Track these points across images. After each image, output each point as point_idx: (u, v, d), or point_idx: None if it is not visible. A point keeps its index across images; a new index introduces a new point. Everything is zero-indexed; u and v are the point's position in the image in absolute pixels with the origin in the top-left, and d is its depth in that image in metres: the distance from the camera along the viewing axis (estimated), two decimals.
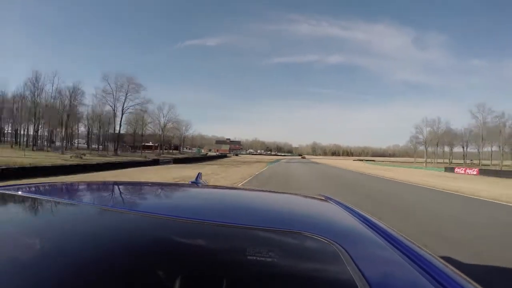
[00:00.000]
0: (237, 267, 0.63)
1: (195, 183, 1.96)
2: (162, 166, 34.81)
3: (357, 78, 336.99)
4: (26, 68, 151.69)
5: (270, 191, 1.89)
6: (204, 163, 48.35)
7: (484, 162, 72.26)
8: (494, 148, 70.14)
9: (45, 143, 62.37)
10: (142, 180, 15.49)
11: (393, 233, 0.86)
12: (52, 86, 61.11)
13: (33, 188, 1.20)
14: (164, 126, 79.82)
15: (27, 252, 0.65)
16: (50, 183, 1.42)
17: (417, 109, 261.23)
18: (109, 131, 71.53)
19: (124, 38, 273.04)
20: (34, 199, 1.02)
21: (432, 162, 76.24)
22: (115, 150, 64.20)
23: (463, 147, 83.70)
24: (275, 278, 0.60)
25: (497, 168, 50.60)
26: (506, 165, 62.27)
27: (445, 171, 42.39)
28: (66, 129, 61.09)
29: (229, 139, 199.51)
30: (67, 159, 37.83)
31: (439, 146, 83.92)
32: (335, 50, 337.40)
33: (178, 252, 0.67)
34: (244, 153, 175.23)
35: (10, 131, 71.06)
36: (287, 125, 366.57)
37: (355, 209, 1.14)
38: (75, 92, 62.40)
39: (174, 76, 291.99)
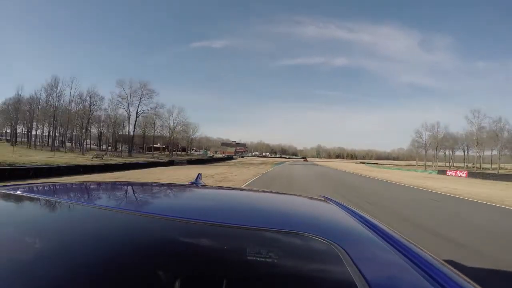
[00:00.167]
0: (237, 268, 0.63)
1: (195, 183, 2.00)
2: (179, 166, 38.11)
3: (362, 80, 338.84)
4: (29, 70, 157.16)
5: (270, 192, 1.94)
6: (214, 164, 51.59)
7: (485, 165, 74.85)
8: (496, 152, 72.63)
9: (61, 144, 67.04)
10: (171, 178, 19.30)
11: (393, 234, 0.86)
12: (70, 91, 66.04)
13: (33, 188, 1.21)
14: (174, 129, 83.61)
15: (27, 252, 0.65)
16: (50, 183, 1.29)
17: (422, 112, 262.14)
18: (119, 132, 76.08)
19: (130, 39, 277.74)
20: (34, 199, 1.02)
21: (431, 166, 78.87)
22: (129, 151, 68.00)
23: (463, 151, 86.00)
24: (275, 279, 0.60)
25: (495, 171, 53.21)
26: (507, 169, 64.45)
27: (438, 173, 45.51)
28: (86, 131, 65.21)
29: (234, 141, 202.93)
30: (90, 159, 41.54)
31: (440, 149, 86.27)
32: (341, 53, 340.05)
33: (178, 253, 0.67)
34: (249, 155, 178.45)
35: (22, 132, 76.49)
36: (292, 127, 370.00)
37: (355, 210, 1.15)
38: (94, 98, 66.95)
39: (179, 77, 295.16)
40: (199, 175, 2.42)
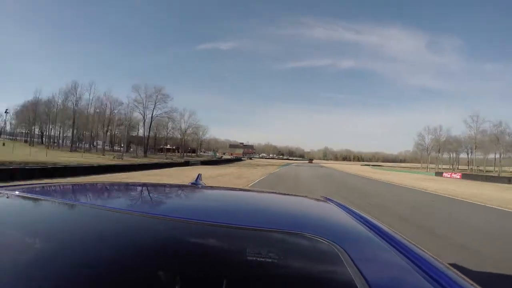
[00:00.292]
0: (238, 268, 0.63)
1: (195, 184, 2.02)
2: (194, 166, 40.72)
3: (369, 82, 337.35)
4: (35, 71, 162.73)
5: (270, 192, 1.95)
6: (225, 165, 54.70)
7: (489, 168, 76.89)
8: (498, 155, 74.59)
9: (78, 145, 71.74)
10: (185, 177, 21.74)
11: (394, 235, 0.86)
12: (89, 95, 71.35)
13: (34, 188, 1.20)
14: (185, 131, 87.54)
15: (29, 253, 0.65)
16: (50, 184, 1.49)
17: (430, 114, 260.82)
18: (132, 134, 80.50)
19: (138, 40, 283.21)
20: (34, 199, 1.02)
21: (434, 168, 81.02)
22: (145, 152, 71.94)
23: (467, 154, 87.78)
24: (275, 279, 0.60)
25: (497, 174, 55.44)
26: (510, 172, 65.75)
27: (435, 175, 48.01)
28: (106, 134, 69.67)
29: (242, 143, 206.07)
30: (112, 160, 45.27)
31: (444, 152, 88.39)
32: (348, 55, 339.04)
33: (178, 253, 0.67)
34: (257, 157, 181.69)
35: (36, 133, 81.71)
36: (299, 129, 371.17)
37: (355, 211, 1.16)
38: (114, 103, 72.53)
39: (186, 79, 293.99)
40: (199, 176, 2.46)
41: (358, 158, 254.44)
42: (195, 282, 0.57)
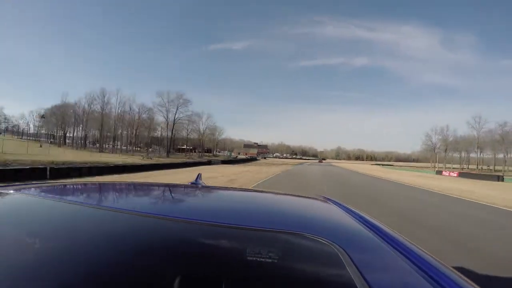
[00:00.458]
0: (237, 268, 0.63)
1: (195, 184, 2.01)
2: (217, 165, 45.52)
3: (383, 81, 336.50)
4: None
5: (270, 192, 1.96)
6: (243, 164, 59.08)
7: (498, 168, 79.36)
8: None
9: (105, 146, 78.65)
10: (225, 173, 25.98)
11: (393, 235, 0.86)
12: (117, 99, 79.01)
13: (34, 189, 1.20)
14: (203, 132, 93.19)
15: (28, 253, 0.65)
16: (51, 184, 1.55)
17: (444, 112, 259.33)
18: (153, 135, 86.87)
19: (151, 41, 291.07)
20: (34, 200, 1.03)
21: (442, 167, 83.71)
22: (168, 152, 77.82)
23: (476, 153, 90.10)
24: (275, 279, 0.60)
25: (496, 173, 58.23)
26: None
27: (436, 173, 51.55)
28: (135, 136, 76.53)
29: (256, 143, 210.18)
30: (142, 159, 50.49)
31: (453, 152, 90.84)
32: (361, 53, 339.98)
33: (178, 253, 0.67)
34: (271, 156, 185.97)
35: (59, 135, 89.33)
36: (313, 129, 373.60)
37: (355, 210, 1.16)
38: (142, 108, 79.89)
39: (199, 79, 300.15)
40: (199, 175, 2.37)
41: (371, 157, 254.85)
42: (195, 282, 0.57)
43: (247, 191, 1.94)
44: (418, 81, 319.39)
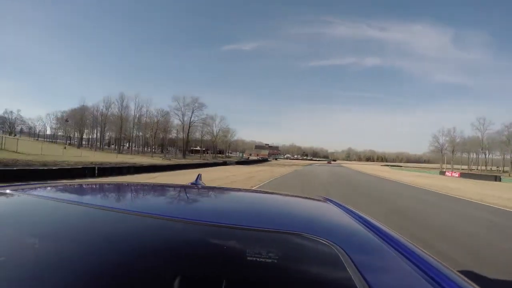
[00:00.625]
0: (237, 268, 0.63)
1: (195, 184, 2.01)
2: (232, 166, 48.77)
3: (394, 81, 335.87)
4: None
5: (269, 193, 1.92)
6: (256, 164, 62.95)
7: (507, 168, 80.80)
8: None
9: (123, 147, 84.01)
10: (242, 172, 28.95)
11: (394, 235, 0.86)
12: (135, 104, 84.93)
13: (34, 189, 1.20)
14: (217, 135, 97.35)
15: (28, 253, 0.65)
16: (51, 184, 1.55)
17: (456, 113, 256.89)
18: (169, 137, 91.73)
19: (163, 42, 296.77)
20: (34, 200, 1.03)
21: (451, 168, 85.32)
22: (184, 154, 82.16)
23: (485, 154, 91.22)
24: (275, 280, 0.60)
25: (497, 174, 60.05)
26: None
27: (439, 174, 54.17)
28: (154, 139, 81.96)
29: (267, 144, 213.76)
30: (161, 160, 54.32)
31: (462, 153, 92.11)
32: (372, 52, 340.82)
33: (178, 253, 0.67)
34: (281, 157, 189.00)
35: (79, 136, 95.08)
36: (323, 130, 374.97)
37: (355, 211, 1.15)
38: (161, 112, 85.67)
39: (211, 80, 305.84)
40: (199, 176, 2.37)
41: (382, 158, 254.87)
42: (195, 283, 0.57)
43: (247, 191, 2.01)
44: (429, 81, 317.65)
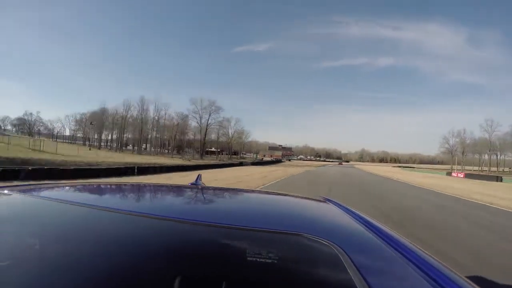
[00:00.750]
0: (237, 269, 0.63)
1: (195, 184, 2.01)
2: (248, 166, 51.38)
3: (407, 81, 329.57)
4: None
5: (269, 193, 1.91)
6: (270, 165, 65.14)
7: None
8: None
9: (141, 148, 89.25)
10: (260, 172, 31.55)
11: (394, 235, 0.86)
12: (155, 107, 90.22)
13: (34, 189, 1.20)
14: (232, 136, 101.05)
15: (28, 253, 0.65)
16: (51, 184, 1.56)
17: (470, 113, 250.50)
18: (186, 138, 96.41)
19: (177, 43, 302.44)
20: (33, 200, 1.03)
21: (461, 169, 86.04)
22: (201, 155, 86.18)
23: (496, 155, 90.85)
24: (275, 280, 0.60)
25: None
26: None
27: (446, 175, 55.76)
28: (174, 141, 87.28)
29: (281, 145, 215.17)
30: (183, 161, 57.51)
31: (473, 154, 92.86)
32: (385, 52, 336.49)
33: (178, 254, 0.67)
34: (295, 158, 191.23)
35: (98, 137, 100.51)
36: (337, 131, 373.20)
37: (355, 211, 1.15)
38: (181, 115, 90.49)
39: (224, 81, 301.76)
40: (199, 176, 2.41)
41: (395, 159, 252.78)
42: (195, 283, 0.58)
43: (247, 192, 1.96)
44: (443, 81, 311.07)
